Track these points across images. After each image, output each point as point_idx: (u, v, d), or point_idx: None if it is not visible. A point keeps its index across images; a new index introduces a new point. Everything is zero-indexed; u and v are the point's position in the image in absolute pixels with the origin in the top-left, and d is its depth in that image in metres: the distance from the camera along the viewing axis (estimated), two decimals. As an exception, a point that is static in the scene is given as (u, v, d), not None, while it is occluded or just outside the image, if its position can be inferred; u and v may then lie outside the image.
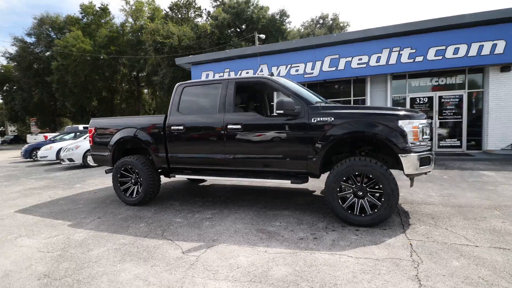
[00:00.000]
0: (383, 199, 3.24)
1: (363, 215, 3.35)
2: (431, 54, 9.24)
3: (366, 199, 3.35)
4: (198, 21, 32.46)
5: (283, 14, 31.70)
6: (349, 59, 10.46)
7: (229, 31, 29.42)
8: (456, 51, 8.97)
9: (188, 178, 6.40)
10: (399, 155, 3.22)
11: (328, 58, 10.79)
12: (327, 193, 3.47)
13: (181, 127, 4.28)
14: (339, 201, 3.42)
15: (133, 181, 4.70)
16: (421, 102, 10.44)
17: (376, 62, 10.05)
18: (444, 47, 9.09)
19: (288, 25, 33.78)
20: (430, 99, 10.32)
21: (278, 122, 3.72)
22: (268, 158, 3.82)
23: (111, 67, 33.22)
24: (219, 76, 12.70)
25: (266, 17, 29.87)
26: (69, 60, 29.25)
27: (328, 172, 3.56)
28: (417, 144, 3.29)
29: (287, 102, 3.51)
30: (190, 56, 13.78)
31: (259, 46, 12.74)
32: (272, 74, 4.50)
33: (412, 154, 3.22)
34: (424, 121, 3.41)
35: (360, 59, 10.31)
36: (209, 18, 32.28)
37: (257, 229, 3.48)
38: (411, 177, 3.53)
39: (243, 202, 4.66)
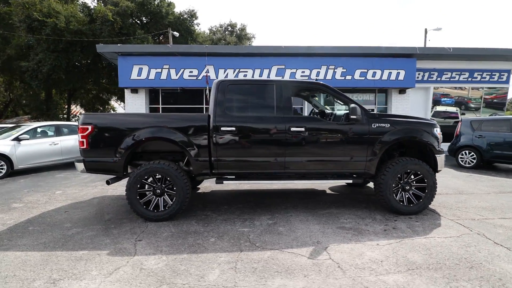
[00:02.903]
0: (426, 191, 4.05)
1: (411, 205, 4.07)
2: (357, 75, 11.43)
3: (411, 192, 4.10)
4: (86, 2, 27.58)
5: (192, 15, 31.04)
6: (294, 70, 11.57)
7: (132, 21, 26.40)
8: (374, 74, 11.45)
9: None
10: (436, 155, 4.13)
11: (275, 68, 11.58)
12: (384, 189, 4.02)
13: (233, 128, 3.92)
14: (393, 195, 4.04)
15: (158, 191, 3.89)
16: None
17: (316, 76, 11.56)
18: (366, 70, 11.43)
19: (196, 26, 33.36)
20: (350, 110, 12.65)
21: (343, 126, 4.02)
22: (331, 160, 4.05)
23: None
24: (156, 72, 11.46)
25: (174, 14, 28.51)
26: None
27: None
28: (441, 147, 4.30)
29: (359, 109, 3.87)
30: (119, 44, 11.81)
31: (207, 46, 12.26)
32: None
33: (442, 154, 4.19)
34: (438, 129, 4.48)
35: (303, 72, 11.58)
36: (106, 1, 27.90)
37: (337, 227, 3.66)
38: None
39: (279, 206, 4.64)
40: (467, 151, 8.22)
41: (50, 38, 19.03)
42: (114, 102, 35.70)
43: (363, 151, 4.03)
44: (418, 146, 4.30)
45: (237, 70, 11.56)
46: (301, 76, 11.55)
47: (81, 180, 6.84)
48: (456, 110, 13.15)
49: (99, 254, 2.95)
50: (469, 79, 12.35)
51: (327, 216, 4.10)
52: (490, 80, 12.36)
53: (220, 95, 4.03)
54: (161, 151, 4.29)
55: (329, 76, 11.51)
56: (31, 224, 3.85)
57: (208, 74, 11.38)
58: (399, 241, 3.22)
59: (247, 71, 11.57)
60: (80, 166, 3.99)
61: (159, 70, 11.42)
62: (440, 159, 4.16)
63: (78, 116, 33.49)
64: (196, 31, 32.96)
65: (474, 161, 8.05)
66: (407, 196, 4.10)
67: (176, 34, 23.30)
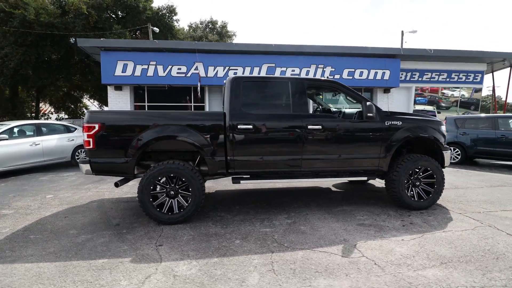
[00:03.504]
0: (435, 186, 4.21)
1: (421, 200, 4.20)
2: (345, 74, 11.69)
3: (421, 187, 4.23)
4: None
5: (171, 10, 30.16)
6: (284, 69, 11.61)
7: (107, 15, 25.16)
8: (361, 74, 11.77)
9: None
10: (443, 151, 4.29)
11: (266, 66, 11.54)
12: (396, 185, 4.12)
13: (250, 126, 3.82)
14: (406, 191, 4.14)
15: (172, 193, 3.71)
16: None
17: (306, 75, 11.67)
18: (353, 70, 11.73)
19: (176, 23, 32.47)
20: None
21: (359, 124, 4.06)
22: (346, 158, 4.07)
23: None
24: (143, 69, 11.00)
25: (152, 9, 27.55)
26: None
27: None
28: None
29: (375, 107, 3.92)
30: (102, 39, 11.18)
31: (197, 42, 11.91)
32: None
33: (448, 151, 4.36)
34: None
35: (293, 70, 11.65)
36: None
37: (357, 224, 3.69)
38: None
39: (290, 205, 4.61)
40: (452, 148, 8.68)
41: (18, 31, 17.66)
42: (87, 100, 33.90)
43: (377, 148, 4.10)
44: (426, 143, 4.44)
45: (227, 68, 11.39)
46: (291, 74, 11.61)
47: (70, 183, 6.39)
48: (433, 109, 13.88)
49: (121, 262, 2.75)
50: (447, 79, 13.08)
51: (342, 213, 4.12)
52: (466, 80, 13.17)
53: (235, 92, 3.91)
54: (171, 151, 4.09)
55: (318, 75, 11.67)
56: (31, 232, 3.51)
57: (198, 72, 11.10)
58: (421, 235, 3.31)
59: (237, 69, 11.44)
60: (85, 167, 3.70)
61: (146, 66, 10.98)
62: (447, 155, 4.34)
63: (49, 115, 31.36)
64: (176, 27, 32.13)
65: (459, 157, 8.53)
66: (417, 191, 4.23)
67: (156, 30, 22.49)
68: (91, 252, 2.95)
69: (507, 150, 7.58)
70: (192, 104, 12.38)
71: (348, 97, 4.35)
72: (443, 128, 4.37)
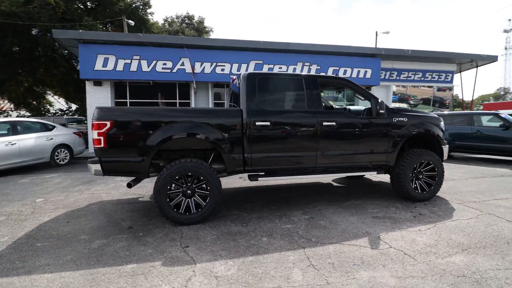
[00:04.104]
0: (436, 179, 4.48)
1: (424, 192, 4.46)
2: (330, 72, 11.98)
3: (423, 180, 4.48)
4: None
5: (145, 3, 28.95)
6: (272, 66, 11.63)
7: (77, 6, 23.57)
8: (345, 72, 12.13)
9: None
10: (442, 146, 4.57)
11: (253, 63, 11.50)
12: (403, 178, 4.32)
13: (268, 123, 3.80)
14: (411, 183, 4.37)
15: (189, 192, 3.60)
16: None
17: (293, 72, 11.79)
18: (338, 68, 12.06)
19: (150, 16, 31.20)
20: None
21: (369, 120, 4.19)
22: (357, 153, 4.19)
23: None
24: (125, 63, 10.47)
25: (125, 1, 26.24)
26: None
27: None
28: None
29: (385, 104, 4.07)
30: (81, 30, 10.44)
31: (183, 37, 11.49)
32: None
33: (446, 146, 4.66)
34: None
35: (280, 68, 11.71)
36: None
37: (371, 217, 3.83)
38: None
39: (300, 201, 4.67)
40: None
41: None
42: (51, 97, 31.57)
43: (385, 144, 4.27)
44: (426, 137, 4.69)
45: (214, 64, 11.19)
46: (278, 72, 11.67)
47: (57, 185, 5.94)
48: (408, 107, 14.70)
49: (152, 266, 2.62)
50: (422, 78, 13.91)
51: (353, 207, 4.25)
52: (438, 80, 14.10)
53: (251, 89, 3.87)
54: (183, 149, 3.95)
55: (305, 72, 11.83)
56: (36, 240, 3.22)
57: (192, 67, 10.78)
58: (433, 225, 3.51)
59: (224, 65, 11.28)
60: (94, 167, 3.46)
61: (128, 61, 10.47)
62: (445, 149, 4.63)
63: (8, 112, 28.77)
64: (150, 21, 30.92)
65: (439, 151, 9.12)
66: (419, 184, 4.47)
67: (132, 23, 21.47)
68: (115, 258, 2.78)
69: (482, 144, 8.26)
70: (177, 101, 12.02)
71: (357, 94, 4.47)
72: (442, 123, 4.65)
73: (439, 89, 14.65)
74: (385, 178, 6.18)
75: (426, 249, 2.89)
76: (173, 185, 3.56)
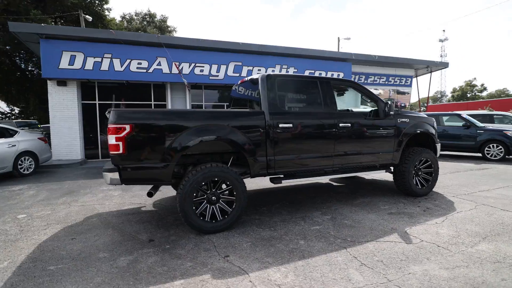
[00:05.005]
0: (433, 175, 4.86)
1: (423, 187, 4.81)
2: (306, 74, 12.34)
3: (422, 176, 4.84)
4: None
5: (102, -3, 26.99)
6: (251, 68, 11.62)
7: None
8: (319, 75, 12.58)
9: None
10: (436, 144, 4.99)
11: (233, 64, 11.36)
12: (406, 175, 4.62)
13: (290, 125, 3.78)
14: (413, 180, 4.68)
15: (214, 198, 3.43)
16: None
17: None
18: (313, 71, 12.48)
19: (107, 12, 29.09)
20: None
21: (379, 121, 4.39)
22: (368, 153, 4.38)
23: None
24: (95, 62, 9.63)
25: (78, -6, 24.18)
26: None
27: None
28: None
29: (393, 106, 4.31)
30: (43, 24, 9.31)
31: (161, 36, 10.84)
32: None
33: (439, 144, 5.09)
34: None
35: (259, 70, 11.75)
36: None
37: (387, 213, 4.02)
38: None
39: (311, 201, 4.73)
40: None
41: None
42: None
43: (392, 143, 4.52)
44: (423, 136, 5.06)
45: (193, 64, 10.84)
46: (257, 73, 11.69)
47: (32, 198, 5.23)
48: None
49: (202, 280, 2.43)
50: (386, 82, 15.04)
51: (366, 205, 4.42)
52: (400, 84, 15.37)
53: (271, 90, 3.81)
54: (203, 153, 3.76)
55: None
56: (46, 263, 2.79)
57: (178, 66, 10.27)
58: (445, 218, 3.80)
59: (203, 66, 10.99)
60: (110, 176, 3.11)
61: (99, 59, 9.65)
62: (438, 147, 5.06)
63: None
64: (107, 17, 28.91)
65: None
66: (418, 180, 4.82)
67: (89, 18, 19.80)
68: (154, 275, 2.53)
69: (448, 142, 9.20)
70: (153, 103, 11.37)
71: (363, 97, 4.67)
72: (435, 123, 5.08)
73: (398, 92, 15.96)
74: (377, 176, 6.56)
75: (453, 240, 3.12)
76: (198, 192, 3.36)
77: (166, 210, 4.41)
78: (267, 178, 4.08)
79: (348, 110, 5.20)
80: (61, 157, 9.91)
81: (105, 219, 4.04)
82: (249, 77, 4.41)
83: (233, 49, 11.24)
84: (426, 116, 5.08)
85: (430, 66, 15.06)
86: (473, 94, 58.98)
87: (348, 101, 5.40)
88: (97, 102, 10.68)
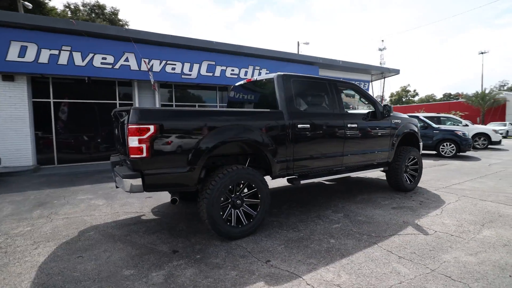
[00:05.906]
0: (418, 171, 5.35)
1: (411, 183, 5.26)
2: (278, 77, 12.57)
3: (410, 173, 5.29)
4: None
5: (40, -17, 23.97)
6: (224, 68, 11.41)
7: None
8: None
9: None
10: (420, 142, 5.49)
11: (206, 63, 11.02)
12: (399, 172, 5.00)
13: (308, 126, 3.81)
14: (403, 176, 5.10)
15: (238, 202, 3.30)
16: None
17: (245, 75, 11.86)
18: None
19: (48, 0, 25.87)
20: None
21: (379, 122, 4.67)
22: (370, 152, 4.63)
23: None
24: (51, 54, 8.50)
25: (12, -23, 21.15)
26: None
27: None
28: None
29: (392, 108, 4.64)
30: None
31: (128, 29, 9.88)
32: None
33: (422, 142, 5.61)
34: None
35: (232, 70, 11.60)
36: None
37: (391, 208, 4.30)
38: None
39: (316, 200, 4.83)
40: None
41: None
42: None
43: (388, 143, 4.86)
44: (409, 136, 5.52)
45: (164, 62, 10.26)
46: (231, 74, 11.57)
47: (8, 213, 4.41)
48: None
49: (258, 288, 2.32)
50: (347, 86, 16.07)
51: (366, 201, 4.67)
52: (359, 87, 16.54)
53: (288, 90, 3.80)
54: (218, 155, 3.58)
55: (255, 76, 12.07)
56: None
57: (147, 63, 9.50)
58: (441, 210, 4.21)
59: (175, 64, 10.47)
60: (132, 182, 2.78)
61: (56, 52, 8.56)
62: (421, 145, 5.58)
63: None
64: (48, 5, 25.78)
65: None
66: (407, 176, 5.26)
67: (29, 5, 17.38)
68: (203, 288, 2.33)
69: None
70: (118, 102, 10.44)
71: (362, 99, 4.93)
72: (418, 124, 5.60)
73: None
74: (362, 175, 6.94)
75: (459, 228, 3.47)
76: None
77: (171, 217, 4.09)
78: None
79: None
80: (8, 164, 8.51)
81: (105, 232, 3.58)
82: (257, 77, 4.34)
83: (207, 48, 10.91)
84: (409, 117, 5.58)
85: (384, 72, 16.55)
86: (407, 98, 66.61)
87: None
88: (51, 100, 9.42)
